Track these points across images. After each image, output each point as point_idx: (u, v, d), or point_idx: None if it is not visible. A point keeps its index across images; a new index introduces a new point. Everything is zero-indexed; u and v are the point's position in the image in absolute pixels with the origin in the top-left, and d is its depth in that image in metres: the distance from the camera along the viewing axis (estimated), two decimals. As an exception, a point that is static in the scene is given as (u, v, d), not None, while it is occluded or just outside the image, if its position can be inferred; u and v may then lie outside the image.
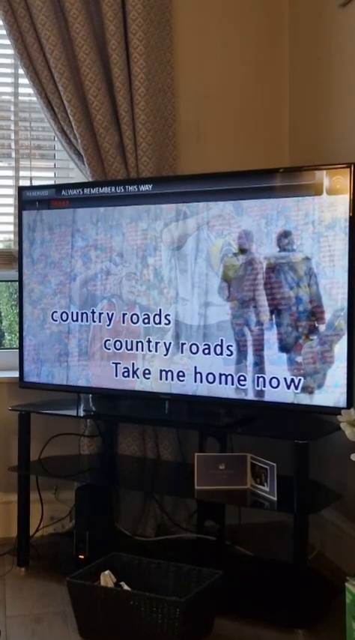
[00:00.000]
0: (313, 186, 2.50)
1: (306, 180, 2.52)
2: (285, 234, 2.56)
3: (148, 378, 2.81)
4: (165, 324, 2.79)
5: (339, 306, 2.47)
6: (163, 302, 2.79)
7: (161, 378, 2.79)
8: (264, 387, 2.60)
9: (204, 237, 2.71)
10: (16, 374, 3.08)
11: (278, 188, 2.59)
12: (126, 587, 2.40)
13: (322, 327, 2.50)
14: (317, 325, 2.51)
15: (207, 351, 2.70)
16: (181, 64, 3.24)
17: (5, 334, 4.24)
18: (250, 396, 2.63)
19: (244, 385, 2.63)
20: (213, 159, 3.18)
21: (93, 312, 2.91)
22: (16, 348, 3.20)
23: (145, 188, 2.83)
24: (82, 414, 3.04)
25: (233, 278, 2.67)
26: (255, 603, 2.58)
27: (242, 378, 2.64)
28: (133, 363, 2.84)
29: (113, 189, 2.88)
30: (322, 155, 2.98)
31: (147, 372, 2.82)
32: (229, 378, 2.66)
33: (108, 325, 2.89)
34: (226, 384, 2.66)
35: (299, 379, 2.53)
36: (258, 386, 2.61)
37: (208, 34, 3.30)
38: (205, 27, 3.30)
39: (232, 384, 2.65)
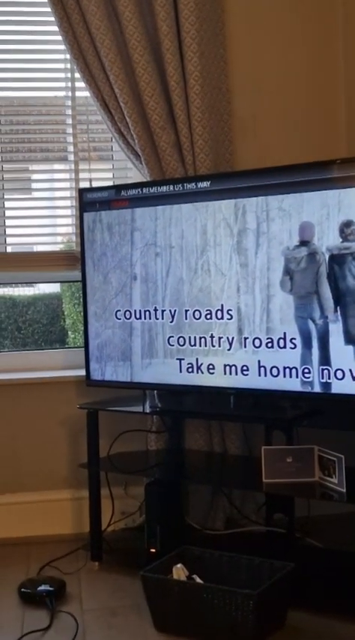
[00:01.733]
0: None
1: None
2: (348, 224, 2.55)
3: (213, 373, 2.83)
4: (228, 319, 2.80)
5: None
6: (225, 297, 2.81)
7: (225, 373, 2.81)
8: (329, 379, 2.59)
9: (264, 230, 2.72)
10: (82, 372, 3.14)
11: (336, 179, 2.57)
12: (198, 580, 2.43)
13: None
14: (383, 315, 2.50)
15: (270, 345, 2.71)
16: (234, 60, 3.25)
17: (69, 332, 4.32)
18: (316, 388, 2.63)
19: (309, 378, 2.63)
20: (270, 153, 3.18)
21: (155, 310, 2.95)
22: (80, 347, 3.26)
23: (203, 185, 2.85)
24: (148, 410, 3.08)
25: (295, 271, 2.67)
26: (328, 595, 2.58)
27: (306, 370, 2.64)
28: (197, 359, 2.87)
29: (171, 188, 2.90)
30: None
31: (211, 367, 2.84)
32: (293, 371, 2.67)
33: (171, 322, 2.92)
34: (290, 377, 2.67)
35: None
36: (322, 378, 2.61)
37: (261, 27, 3.29)
38: (257, 21, 3.29)
39: (297, 376, 2.66)
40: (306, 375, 2.65)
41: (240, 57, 3.26)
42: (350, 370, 2.55)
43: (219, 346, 2.82)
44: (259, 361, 2.74)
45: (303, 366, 2.65)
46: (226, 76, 3.20)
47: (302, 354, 2.66)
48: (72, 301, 4.34)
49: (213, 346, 2.83)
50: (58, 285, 4.27)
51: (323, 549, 2.95)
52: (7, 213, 3.39)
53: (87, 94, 3.21)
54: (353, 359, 2.55)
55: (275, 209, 2.69)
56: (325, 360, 2.61)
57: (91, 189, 3.18)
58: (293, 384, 2.67)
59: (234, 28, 3.24)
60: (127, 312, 3.01)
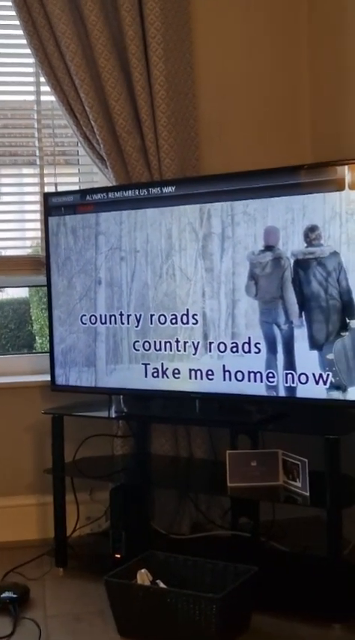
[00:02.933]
0: (335, 182, 2.51)
1: (328, 176, 2.52)
2: (312, 229, 2.57)
3: (178, 378, 2.84)
4: (193, 323, 2.81)
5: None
6: (190, 302, 2.81)
7: (190, 378, 2.81)
8: (294, 383, 2.61)
9: (229, 235, 2.73)
10: (48, 377, 3.13)
11: (301, 184, 2.59)
12: (162, 585, 2.42)
13: (353, 323, 2.50)
14: (348, 321, 2.51)
15: (235, 349, 2.72)
16: (201, 65, 3.26)
17: (36, 338, 4.29)
18: (281, 393, 2.64)
19: (274, 382, 2.65)
20: (236, 158, 3.19)
21: (120, 314, 2.95)
22: (46, 352, 3.24)
23: (169, 190, 2.85)
24: (114, 415, 3.08)
25: (260, 275, 2.68)
26: (292, 599, 2.59)
27: (271, 375, 2.65)
28: (162, 364, 2.87)
29: (137, 192, 2.91)
30: (344, 151, 2.98)
31: (176, 371, 2.84)
32: (258, 375, 2.68)
33: (136, 327, 2.92)
34: (255, 381, 2.68)
35: (330, 375, 2.54)
36: (287, 383, 2.62)
37: (227, 34, 3.31)
38: (224, 27, 3.31)
39: (261, 381, 2.67)
40: (271, 380, 2.66)
41: (206, 62, 3.28)
42: (314, 374, 2.57)
43: (185, 351, 2.82)
44: (224, 366, 2.75)
45: (268, 371, 2.67)
46: (192, 82, 3.22)
47: (266, 359, 2.67)
48: (39, 306, 4.32)
49: (179, 351, 2.84)
50: (26, 289, 4.25)
51: (287, 553, 2.96)
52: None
53: (52, 98, 3.20)
54: (317, 364, 2.57)
55: (241, 213, 2.70)
56: (290, 364, 2.63)
57: (56, 194, 3.17)
58: (258, 389, 2.68)
59: (200, 34, 3.26)
60: (92, 317, 3.00)
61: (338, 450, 2.43)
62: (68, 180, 3.45)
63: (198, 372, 2.80)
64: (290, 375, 2.62)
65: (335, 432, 2.46)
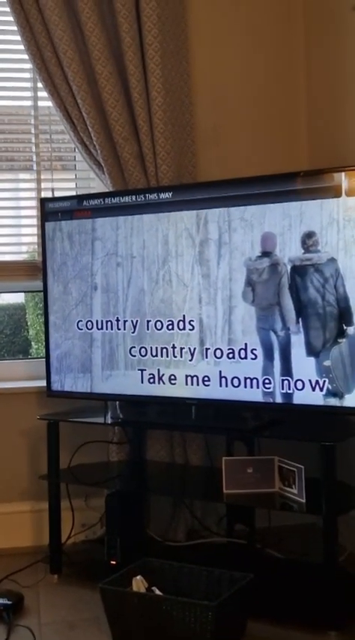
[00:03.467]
0: (332, 188, 2.51)
1: (325, 183, 2.53)
2: (309, 236, 2.57)
3: (174, 384, 2.83)
4: (190, 329, 2.81)
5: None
6: (187, 308, 2.81)
7: (187, 384, 2.81)
8: (290, 390, 2.60)
9: (226, 241, 2.73)
10: (44, 383, 3.12)
11: (298, 191, 2.59)
12: (158, 592, 2.41)
13: (351, 330, 2.50)
14: (345, 328, 2.51)
15: (231, 356, 2.72)
16: (198, 72, 3.27)
17: (32, 343, 4.29)
18: (277, 399, 2.63)
19: (270, 388, 2.64)
20: (233, 164, 3.20)
21: (117, 320, 2.94)
22: (42, 358, 3.23)
23: (165, 196, 2.85)
24: (109, 421, 3.07)
25: (257, 282, 2.68)
26: (288, 606, 2.58)
27: (267, 381, 2.65)
28: (159, 370, 2.86)
29: (134, 198, 2.91)
30: (341, 157, 2.99)
31: (172, 377, 2.84)
32: (254, 381, 2.67)
33: (132, 332, 2.91)
34: (251, 387, 2.68)
35: (327, 382, 2.53)
36: (283, 389, 2.62)
37: (224, 41, 3.32)
38: (220, 34, 3.32)
39: (258, 387, 2.66)
40: (267, 386, 2.66)
41: (203, 70, 3.29)
42: (311, 381, 2.57)
43: (181, 357, 2.82)
44: (220, 372, 2.75)
45: (264, 377, 2.66)
46: (189, 89, 3.22)
47: (263, 365, 2.67)
48: (35, 312, 4.32)
49: (175, 357, 2.83)
50: (22, 295, 4.24)
51: (283, 560, 2.96)
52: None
53: (50, 104, 3.21)
54: (314, 370, 2.56)
55: (237, 219, 2.70)
56: (286, 371, 2.62)
57: (53, 199, 3.17)
58: (255, 395, 2.68)
59: (196, 41, 3.27)
60: (88, 323, 3.00)
61: (334, 456, 2.42)
62: (65, 186, 3.45)
63: (195, 378, 2.79)
64: (286, 382, 2.62)
65: (331, 438, 2.46)
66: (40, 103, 3.33)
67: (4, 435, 3.25)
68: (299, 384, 2.58)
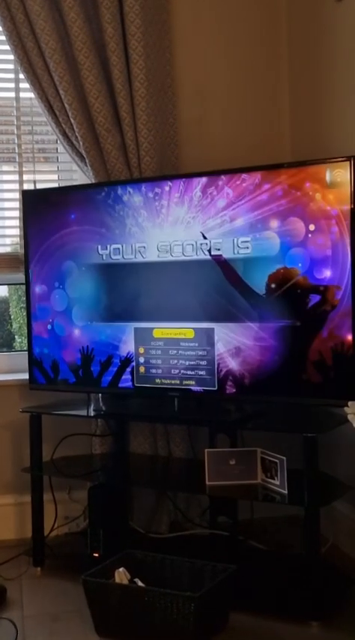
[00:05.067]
0: (315, 180, 2.51)
1: (308, 174, 2.53)
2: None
3: (157, 376, 2.83)
4: (173, 321, 2.80)
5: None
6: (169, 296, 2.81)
7: (169, 375, 2.80)
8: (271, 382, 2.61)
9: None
10: (26, 376, 3.11)
11: (281, 183, 2.59)
12: (140, 584, 2.42)
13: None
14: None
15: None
16: (181, 64, 3.26)
17: (16, 337, 4.26)
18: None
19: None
20: (215, 156, 3.19)
21: (98, 313, 2.94)
22: (25, 351, 3.22)
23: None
24: (92, 413, 3.06)
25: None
26: (270, 597, 2.59)
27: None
28: (141, 362, 2.86)
29: (119, 192, 2.89)
30: (323, 149, 2.99)
31: (155, 370, 2.83)
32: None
33: (116, 325, 2.91)
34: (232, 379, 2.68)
35: (306, 374, 2.54)
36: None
37: (206, 32, 3.32)
38: (203, 25, 3.31)
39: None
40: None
41: (186, 60, 3.28)
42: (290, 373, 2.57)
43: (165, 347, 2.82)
44: (204, 363, 2.74)
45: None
46: (172, 80, 3.21)
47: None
48: (19, 305, 4.29)
49: (158, 349, 2.83)
50: (5, 288, 4.21)
51: (265, 551, 2.96)
52: None
53: (32, 95, 3.19)
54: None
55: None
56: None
57: (35, 191, 3.16)
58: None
59: (179, 33, 3.26)
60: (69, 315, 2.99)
61: (316, 447, 2.43)
62: (47, 178, 3.43)
63: (178, 370, 2.79)
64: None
65: (313, 430, 2.46)
66: (22, 95, 3.31)
67: (-14, 427, 3.25)
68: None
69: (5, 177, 3.53)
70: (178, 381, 2.79)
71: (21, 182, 3.33)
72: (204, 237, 2.71)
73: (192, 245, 2.74)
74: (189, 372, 2.77)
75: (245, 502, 2.92)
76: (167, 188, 2.79)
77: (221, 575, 2.41)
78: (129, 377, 2.89)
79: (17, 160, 3.34)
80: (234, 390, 2.69)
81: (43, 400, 3.12)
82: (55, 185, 3.40)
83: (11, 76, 3.31)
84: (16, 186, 3.34)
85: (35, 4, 3.00)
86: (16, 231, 3.35)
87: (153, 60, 3.12)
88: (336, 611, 2.49)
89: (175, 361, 2.79)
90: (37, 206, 3.04)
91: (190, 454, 3.13)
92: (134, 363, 2.87)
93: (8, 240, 3.50)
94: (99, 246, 2.91)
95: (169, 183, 2.79)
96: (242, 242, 2.64)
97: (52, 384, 3.04)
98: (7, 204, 3.46)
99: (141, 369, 2.86)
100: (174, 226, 2.77)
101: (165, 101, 3.19)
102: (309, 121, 3.23)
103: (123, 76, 3.07)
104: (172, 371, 2.80)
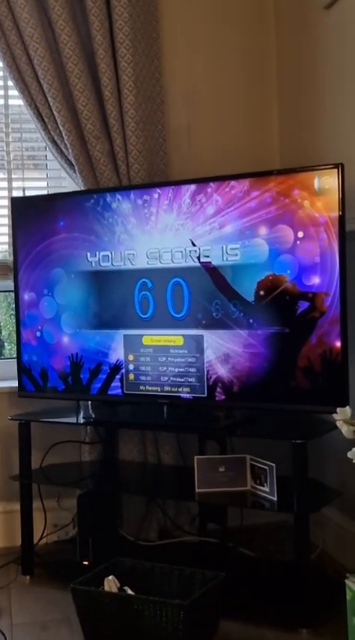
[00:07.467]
0: (304, 187, 2.52)
1: (297, 182, 2.54)
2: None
3: (146, 383, 2.83)
4: (162, 328, 2.80)
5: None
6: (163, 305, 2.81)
7: (159, 382, 2.80)
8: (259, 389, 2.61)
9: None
10: (16, 383, 3.10)
11: (270, 190, 2.60)
12: (130, 592, 2.41)
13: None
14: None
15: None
16: (169, 71, 3.27)
17: (5, 344, 4.25)
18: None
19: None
20: (205, 164, 3.20)
21: (87, 320, 2.93)
22: (14, 358, 3.21)
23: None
24: (81, 421, 3.06)
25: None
26: (260, 604, 2.59)
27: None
28: (130, 369, 2.86)
29: (109, 199, 2.90)
30: (312, 156, 3.00)
31: (144, 377, 2.83)
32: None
33: (105, 332, 2.90)
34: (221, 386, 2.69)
35: (295, 380, 2.55)
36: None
37: (195, 39, 3.33)
38: (192, 33, 3.32)
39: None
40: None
41: (175, 68, 3.29)
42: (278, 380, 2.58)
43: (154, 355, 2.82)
44: (193, 370, 2.74)
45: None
46: (161, 87, 3.22)
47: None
48: (8, 312, 4.28)
49: (147, 357, 2.82)
50: (-5, 295, 4.20)
51: (255, 558, 2.96)
52: None
53: (21, 102, 3.19)
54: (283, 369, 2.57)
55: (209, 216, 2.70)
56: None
57: (24, 198, 3.15)
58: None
59: (168, 40, 3.26)
60: (59, 322, 2.98)
61: (306, 454, 2.43)
62: (36, 185, 3.43)
63: (167, 377, 2.79)
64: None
65: (302, 436, 2.47)
66: (11, 102, 3.31)
67: (-25, 435, 3.23)
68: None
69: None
70: (168, 388, 2.79)
71: (10, 189, 3.33)
72: (193, 244, 2.72)
73: (182, 252, 2.74)
74: (178, 379, 2.77)
75: (234, 509, 2.92)
76: (156, 195, 2.79)
77: (210, 582, 2.40)
78: (119, 384, 2.88)
79: (6, 166, 3.34)
80: (224, 397, 2.69)
81: (32, 407, 3.11)
82: (44, 192, 3.41)
83: (0, 83, 3.31)
84: (5, 193, 3.34)
85: (24, 10, 3.01)
86: (5, 239, 3.35)
87: (142, 67, 3.12)
88: (326, 617, 2.49)
89: (165, 368, 2.79)
90: (26, 213, 3.04)
91: (180, 461, 3.12)
92: (123, 371, 2.87)
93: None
94: (89, 253, 2.91)
95: (158, 190, 2.79)
96: (231, 249, 2.64)
97: (41, 392, 3.04)
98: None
99: (131, 377, 2.86)
100: (163, 233, 2.77)
101: (154, 108, 3.20)
102: (298, 128, 3.24)
103: (112, 83, 3.07)
104: (162, 378, 2.80)
